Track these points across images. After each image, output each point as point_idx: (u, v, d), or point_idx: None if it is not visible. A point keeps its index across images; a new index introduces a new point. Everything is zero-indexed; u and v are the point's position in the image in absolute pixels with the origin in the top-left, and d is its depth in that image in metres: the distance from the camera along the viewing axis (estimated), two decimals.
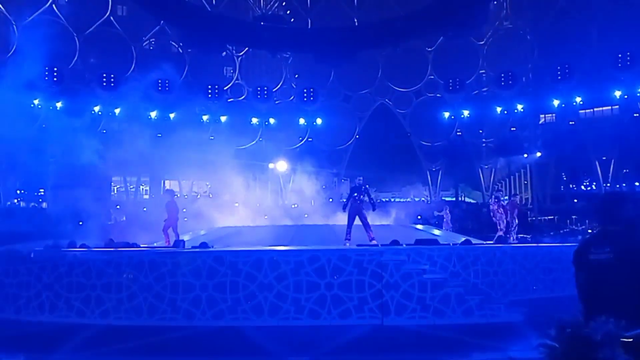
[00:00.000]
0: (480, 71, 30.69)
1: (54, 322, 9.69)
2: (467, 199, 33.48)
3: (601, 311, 2.07)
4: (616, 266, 2.96)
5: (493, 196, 17.75)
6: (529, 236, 16.56)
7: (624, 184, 27.21)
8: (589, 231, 19.75)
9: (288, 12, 32.22)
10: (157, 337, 8.77)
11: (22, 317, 9.97)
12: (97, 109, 28.27)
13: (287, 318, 9.55)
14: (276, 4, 32.01)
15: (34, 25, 24.49)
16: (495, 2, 28.76)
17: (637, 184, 27.56)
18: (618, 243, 3.03)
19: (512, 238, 15.47)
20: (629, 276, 2.92)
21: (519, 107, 29.28)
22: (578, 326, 2.08)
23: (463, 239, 14.23)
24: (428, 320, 9.46)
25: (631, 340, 2.30)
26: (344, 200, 14.00)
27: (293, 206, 26.98)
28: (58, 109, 26.78)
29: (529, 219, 24.57)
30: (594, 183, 28.42)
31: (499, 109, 29.80)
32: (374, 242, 12.29)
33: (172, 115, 29.39)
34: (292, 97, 31.59)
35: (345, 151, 31.60)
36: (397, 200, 27.14)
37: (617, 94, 26.72)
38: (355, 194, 13.01)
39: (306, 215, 24.26)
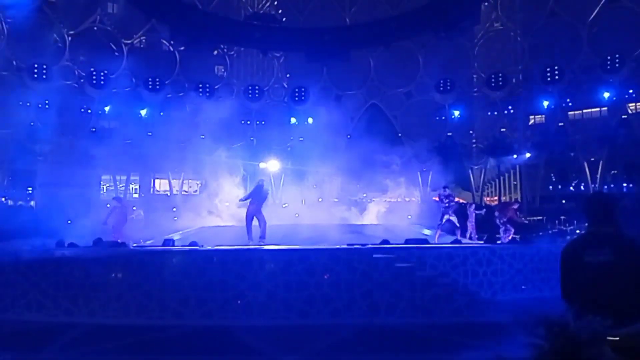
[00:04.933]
0: (471, 72, 30.82)
1: (41, 321, 9.61)
2: (457, 199, 33.63)
3: (597, 312, 2.08)
4: (616, 268, 2.96)
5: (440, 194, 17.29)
6: (517, 236, 16.64)
7: (612, 185, 27.47)
8: (577, 232, 19.87)
9: (280, 11, 32.15)
10: (145, 335, 8.71)
11: (8, 316, 9.87)
12: (86, 107, 28.06)
13: (276, 317, 9.53)
14: (268, 3, 31.93)
15: (23, 21, 24.23)
16: (486, 4, 28.89)
17: (624, 185, 27.80)
18: (617, 245, 3.03)
19: (508, 238, 15.48)
20: (629, 277, 2.92)
21: (509, 108, 29.46)
22: (566, 325, 2.09)
23: (452, 238, 14.32)
24: (417, 319, 9.48)
25: (618, 339, 2.31)
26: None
27: (284, 205, 26.94)
28: (47, 106, 26.53)
29: (518, 219, 24.70)
30: (582, 184, 28.66)
31: (489, 110, 29.95)
32: (263, 241, 13.11)
33: (162, 114, 29.21)
34: (284, 98, 31.55)
35: (337, 151, 31.56)
36: (387, 200, 27.14)
37: (606, 95, 26.97)
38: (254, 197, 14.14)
39: (297, 215, 24.25)
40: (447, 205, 16.01)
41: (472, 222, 17.34)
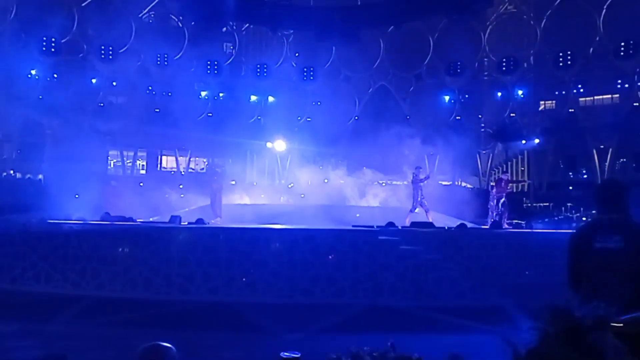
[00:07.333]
0: (482, 55, 30.45)
1: (49, 292, 9.75)
2: (464, 184, 33.56)
3: (603, 298, 2.09)
4: (625, 254, 2.96)
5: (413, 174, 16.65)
6: (523, 222, 16.57)
7: (620, 173, 27.28)
8: (584, 219, 19.82)
9: None
10: (151, 310, 8.83)
11: (17, 287, 10.02)
12: (94, 81, 28.01)
13: (281, 295, 9.62)
14: None
15: None
16: None
17: (633, 173, 27.60)
18: (626, 231, 3.03)
19: (505, 221, 15.35)
20: (637, 264, 2.92)
21: (519, 92, 29.16)
22: (570, 310, 2.10)
23: (458, 222, 14.29)
24: (421, 301, 9.54)
25: (622, 325, 2.33)
26: None
27: (290, 186, 26.99)
28: (55, 80, 26.53)
29: (524, 204, 24.66)
30: (591, 171, 28.48)
31: (499, 94, 29.66)
32: (214, 220, 13.82)
33: (169, 92, 29.14)
34: (293, 77, 31.34)
35: (344, 132, 31.45)
36: (394, 182, 27.09)
37: (619, 82, 26.63)
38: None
39: (302, 195, 24.32)
40: (422, 186, 15.56)
41: (492, 206, 16.77)
